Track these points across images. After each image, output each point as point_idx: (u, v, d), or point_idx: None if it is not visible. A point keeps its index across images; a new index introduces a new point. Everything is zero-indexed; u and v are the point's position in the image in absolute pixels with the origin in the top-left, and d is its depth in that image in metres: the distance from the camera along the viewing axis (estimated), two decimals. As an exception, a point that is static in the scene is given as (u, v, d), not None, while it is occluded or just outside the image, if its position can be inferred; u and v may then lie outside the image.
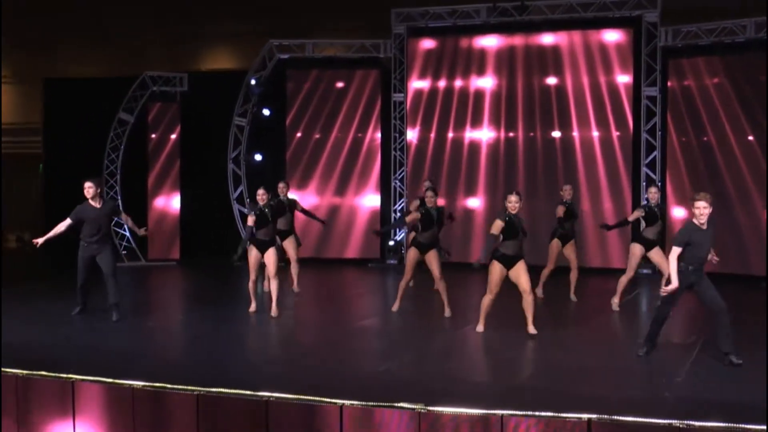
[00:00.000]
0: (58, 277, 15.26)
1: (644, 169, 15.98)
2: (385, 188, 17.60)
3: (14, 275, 15.71)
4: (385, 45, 17.48)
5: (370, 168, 17.70)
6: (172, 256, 17.70)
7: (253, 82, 17.44)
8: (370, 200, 17.67)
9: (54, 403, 7.62)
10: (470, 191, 17.01)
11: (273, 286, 11.09)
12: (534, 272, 10.39)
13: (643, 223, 11.95)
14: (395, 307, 11.49)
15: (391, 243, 17.39)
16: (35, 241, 10.80)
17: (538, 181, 16.53)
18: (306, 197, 17.72)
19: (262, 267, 11.32)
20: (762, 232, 14.75)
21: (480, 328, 10.00)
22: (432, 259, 11.14)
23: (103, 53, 20.58)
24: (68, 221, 10.74)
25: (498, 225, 9.71)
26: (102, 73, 19.98)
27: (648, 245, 11.40)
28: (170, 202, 17.86)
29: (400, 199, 17.48)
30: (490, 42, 16.91)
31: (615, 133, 16.14)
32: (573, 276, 12.61)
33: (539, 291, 12.63)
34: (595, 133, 16.24)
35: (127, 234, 17.57)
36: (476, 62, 16.95)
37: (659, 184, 15.75)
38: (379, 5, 17.46)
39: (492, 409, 6.67)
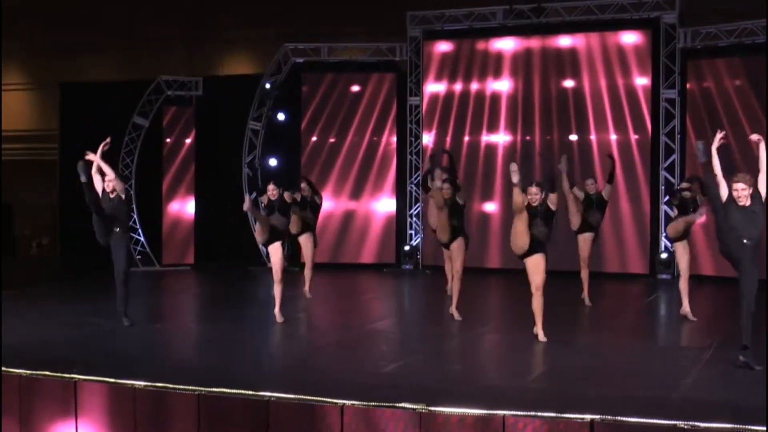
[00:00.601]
0: (75, 281, 15.40)
1: (663, 173, 15.89)
2: (400, 192, 17.62)
3: (32, 278, 15.90)
4: (400, 48, 17.52)
5: (386, 172, 17.73)
6: (187, 260, 17.80)
7: (267, 86, 17.52)
8: (385, 205, 17.69)
9: (57, 402, 7.68)
10: (487, 195, 16.99)
11: (276, 291, 10.94)
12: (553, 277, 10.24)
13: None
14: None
15: (407, 248, 17.38)
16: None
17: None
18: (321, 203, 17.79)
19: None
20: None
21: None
22: (454, 249, 10.99)
23: (118, 58, 20.76)
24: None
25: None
26: (118, 77, 20.14)
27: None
28: (185, 207, 17.98)
29: (415, 204, 17.48)
30: (506, 45, 16.90)
31: (633, 137, 16.07)
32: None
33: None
34: (613, 137, 16.18)
35: (142, 239, 17.67)
36: (492, 65, 16.96)
37: (678, 187, 15.64)
38: (394, 8, 17.49)
39: (494, 409, 6.64)
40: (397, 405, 6.80)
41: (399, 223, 17.63)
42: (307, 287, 13.16)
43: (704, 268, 15.38)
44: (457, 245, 10.97)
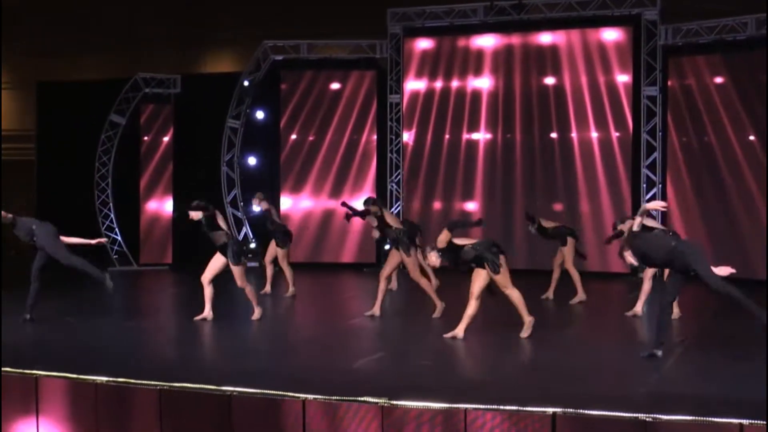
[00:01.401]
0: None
1: (644, 171, 15.95)
2: (381, 191, 17.61)
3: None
4: (381, 45, 17.54)
5: (366, 171, 17.75)
6: (165, 260, 17.79)
7: (246, 83, 17.53)
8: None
9: (17, 399, 7.68)
10: (467, 194, 17.02)
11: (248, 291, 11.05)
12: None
13: None
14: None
15: (387, 247, 17.35)
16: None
17: (536, 183, 16.53)
18: (300, 200, 17.85)
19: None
20: (764, 234, 14.68)
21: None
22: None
23: (97, 56, 20.72)
24: None
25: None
26: (96, 75, 20.11)
27: None
28: (163, 206, 17.98)
29: (396, 202, 17.50)
30: (487, 42, 16.95)
31: (614, 134, 16.12)
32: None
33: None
34: (594, 134, 16.23)
35: (119, 238, 17.67)
36: (473, 62, 16.99)
37: (660, 185, 15.75)
38: (374, 5, 17.50)
39: (455, 403, 6.67)
40: (360, 399, 6.83)
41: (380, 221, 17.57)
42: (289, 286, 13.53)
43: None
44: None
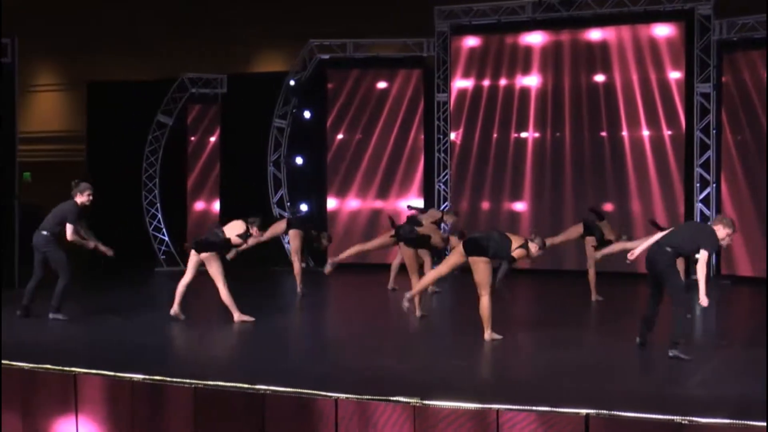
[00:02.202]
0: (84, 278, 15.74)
1: (698, 170, 15.77)
2: (428, 191, 17.66)
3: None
4: (428, 44, 17.61)
5: (413, 171, 17.81)
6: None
7: (292, 83, 17.72)
8: (413, 204, 17.72)
9: (57, 396, 7.88)
10: (515, 194, 17.01)
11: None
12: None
13: None
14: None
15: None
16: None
17: (585, 183, 16.44)
18: (347, 201, 17.96)
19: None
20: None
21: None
22: None
23: (145, 56, 21.07)
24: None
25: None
26: (144, 76, 20.45)
27: None
28: (210, 206, 18.23)
29: (443, 203, 17.53)
30: (535, 39, 16.92)
31: (666, 132, 15.98)
32: None
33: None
34: (646, 132, 16.11)
35: (166, 238, 17.96)
36: (521, 60, 16.98)
37: (714, 185, 15.56)
38: (421, 3, 17.56)
39: (488, 403, 6.71)
40: (392, 398, 6.89)
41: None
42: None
43: (741, 268, 15.29)
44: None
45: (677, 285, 8.61)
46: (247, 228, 11.01)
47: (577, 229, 12.92)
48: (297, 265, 13.73)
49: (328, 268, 11.81)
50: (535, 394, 7.01)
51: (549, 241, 10.98)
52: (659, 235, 8.85)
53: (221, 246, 11.10)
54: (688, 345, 8.68)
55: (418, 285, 10.28)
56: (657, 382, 7.81)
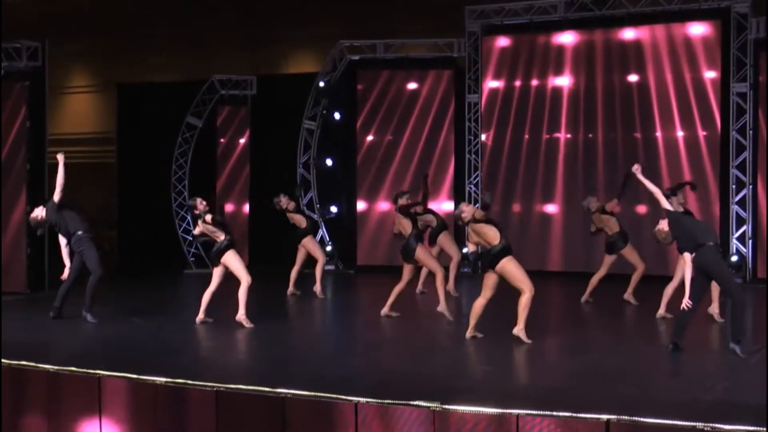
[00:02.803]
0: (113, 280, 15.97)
1: (734, 171, 15.67)
2: (459, 194, 17.69)
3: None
4: (458, 44, 17.65)
5: (444, 172, 17.84)
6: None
7: (322, 84, 17.86)
8: (443, 206, 17.79)
9: (81, 398, 8.07)
10: (547, 195, 17.01)
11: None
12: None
13: None
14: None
15: (465, 250, 17.45)
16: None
17: (618, 185, 16.35)
18: (377, 203, 18.04)
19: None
20: None
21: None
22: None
23: (174, 57, 21.33)
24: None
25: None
26: (173, 77, 20.72)
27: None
28: (240, 208, 18.42)
29: (474, 205, 17.50)
30: (567, 38, 16.91)
31: (701, 133, 15.90)
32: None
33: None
34: (680, 133, 16.04)
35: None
36: (553, 60, 16.97)
37: (751, 186, 15.46)
38: (452, 3, 17.61)
39: (508, 408, 6.77)
40: (412, 403, 6.98)
41: (457, 225, 17.67)
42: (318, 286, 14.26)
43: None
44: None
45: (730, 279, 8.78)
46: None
47: None
48: (319, 266, 14.26)
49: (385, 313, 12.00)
50: (556, 399, 7.07)
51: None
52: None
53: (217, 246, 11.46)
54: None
55: (473, 315, 10.11)
56: (683, 387, 7.83)
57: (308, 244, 14.39)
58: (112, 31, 21.66)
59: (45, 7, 21.13)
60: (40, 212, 11.49)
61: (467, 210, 10.03)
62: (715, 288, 11.16)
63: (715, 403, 7.17)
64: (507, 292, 9.97)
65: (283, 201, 14.35)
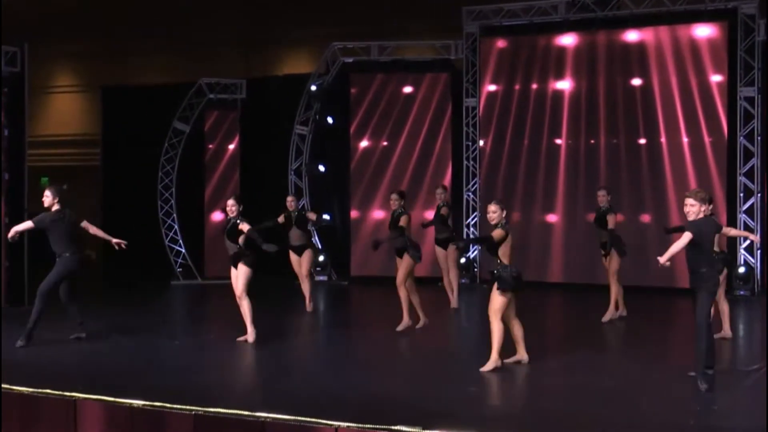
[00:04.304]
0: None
1: (741, 178, 15.78)
2: (456, 201, 17.78)
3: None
4: (456, 46, 17.78)
5: (440, 179, 17.89)
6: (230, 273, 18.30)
7: (314, 88, 17.98)
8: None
9: (57, 421, 8.19)
10: (548, 204, 17.13)
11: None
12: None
13: None
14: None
15: (463, 261, 17.59)
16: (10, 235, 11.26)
17: (622, 193, 16.49)
18: (371, 210, 18.16)
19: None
20: None
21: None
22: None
23: (161, 60, 21.45)
24: (30, 223, 11.27)
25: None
26: (160, 80, 20.81)
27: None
28: (228, 217, 18.51)
29: (473, 213, 17.68)
30: (569, 40, 17.05)
31: (707, 139, 16.02)
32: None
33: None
34: (686, 139, 16.17)
35: (183, 250, 18.30)
36: (554, 63, 17.11)
37: (759, 194, 15.57)
38: (449, 3, 17.70)
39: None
40: (393, 428, 7.10)
41: (456, 233, 17.78)
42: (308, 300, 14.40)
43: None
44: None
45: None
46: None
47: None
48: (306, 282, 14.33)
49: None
50: (540, 423, 7.19)
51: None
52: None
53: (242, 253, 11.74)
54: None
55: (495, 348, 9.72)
56: (673, 409, 7.96)
57: (306, 255, 14.47)
58: (97, 31, 21.78)
59: (30, 6, 21.26)
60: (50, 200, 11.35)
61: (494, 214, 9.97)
62: (724, 313, 11.28)
63: (700, 428, 7.29)
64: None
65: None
